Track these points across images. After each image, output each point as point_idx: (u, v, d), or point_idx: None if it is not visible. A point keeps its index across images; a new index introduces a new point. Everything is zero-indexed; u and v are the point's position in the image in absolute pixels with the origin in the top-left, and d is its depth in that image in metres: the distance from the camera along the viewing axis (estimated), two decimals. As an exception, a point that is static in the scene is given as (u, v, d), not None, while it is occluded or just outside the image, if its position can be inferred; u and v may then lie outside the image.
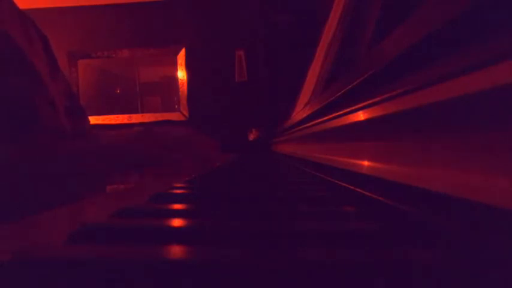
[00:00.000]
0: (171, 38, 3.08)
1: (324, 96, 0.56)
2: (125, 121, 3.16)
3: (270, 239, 0.22)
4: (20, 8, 0.76)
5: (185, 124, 3.06)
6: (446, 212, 0.20)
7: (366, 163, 0.36)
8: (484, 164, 0.18)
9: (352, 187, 0.34)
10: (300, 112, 0.87)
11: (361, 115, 0.37)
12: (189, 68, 3.10)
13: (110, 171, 0.65)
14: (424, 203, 0.22)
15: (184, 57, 3.10)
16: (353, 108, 0.39)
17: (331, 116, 0.49)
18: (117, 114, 3.19)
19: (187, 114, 3.11)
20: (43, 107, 0.64)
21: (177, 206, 0.32)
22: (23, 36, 0.67)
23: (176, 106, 3.23)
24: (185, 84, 3.12)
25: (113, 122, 3.13)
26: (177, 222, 0.25)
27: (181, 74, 3.14)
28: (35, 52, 0.69)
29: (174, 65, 3.16)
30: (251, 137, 2.66)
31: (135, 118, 3.18)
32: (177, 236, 0.23)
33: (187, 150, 0.74)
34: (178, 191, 0.42)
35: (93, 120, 2.78)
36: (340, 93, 0.43)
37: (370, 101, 0.33)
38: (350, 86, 0.39)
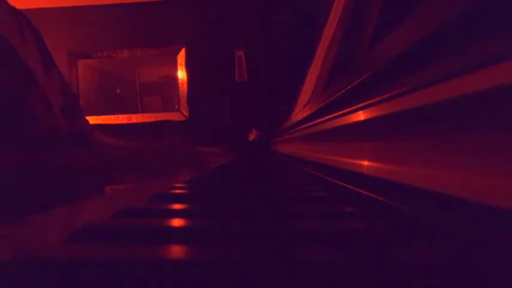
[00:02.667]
0: (171, 38, 3.08)
1: (324, 96, 0.56)
2: (125, 121, 3.15)
3: (270, 239, 0.22)
4: (20, 8, 0.76)
5: (185, 124, 3.06)
6: (446, 212, 0.20)
7: (366, 163, 0.36)
8: (484, 163, 0.18)
9: (352, 187, 0.34)
10: (299, 112, 0.87)
11: (361, 115, 0.37)
12: (189, 68, 3.10)
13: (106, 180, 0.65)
14: (424, 203, 0.22)
15: (184, 57, 3.10)
16: (353, 108, 0.39)
17: (331, 116, 0.49)
18: (117, 114, 3.19)
19: (187, 114, 3.11)
20: (37, 107, 0.64)
21: (177, 206, 0.32)
22: (16, 34, 0.66)
23: (176, 106, 3.23)
24: (185, 84, 3.12)
25: (112, 122, 3.13)
26: (177, 222, 0.25)
27: (181, 74, 3.14)
28: (28, 50, 0.69)
29: (174, 65, 3.16)
30: (251, 137, 2.66)
31: (135, 118, 3.18)
32: (177, 236, 0.23)
33: (183, 160, 0.74)
34: (178, 191, 0.42)
35: (93, 120, 2.78)
36: (340, 93, 0.43)
37: (370, 101, 0.33)
38: (350, 86, 0.39)
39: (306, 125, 0.74)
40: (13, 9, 0.71)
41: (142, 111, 3.33)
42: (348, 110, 0.41)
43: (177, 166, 0.71)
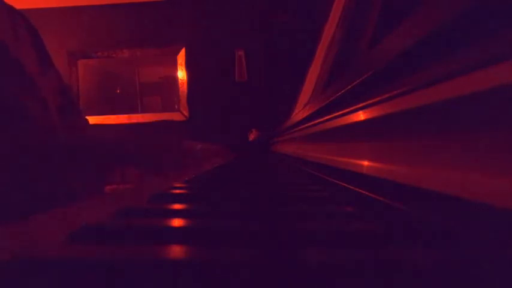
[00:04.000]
0: (171, 38, 3.08)
1: (323, 96, 0.56)
2: (125, 121, 3.15)
3: (269, 239, 0.22)
4: (21, 8, 0.75)
5: (185, 124, 3.06)
6: (446, 212, 0.20)
7: (365, 163, 0.36)
8: (484, 163, 0.18)
9: (352, 187, 0.34)
10: (299, 112, 0.87)
11: (361, 115, 0.37)
12: (189, 68, 3.10)
13: (105, 167, 0.65)
14: (423, 203, 0.22)
15: (184, 57, 3.10)
16: (353, 108, 0.39)
17: (331, 116, 0.49)
18: (117, 114, 3.19)
19: (187, 114, 3.11)
20: (32, 106, 0.63)
21: (177, 206, 0.32)
22: (9, 34, 0.66)
23: (176, 106, 3.23)
24: (185, 84, 3.12)
25: (112, 122, 3.13)
26: (176, 222, 0.25)
27: (181, 74, 3.14)
28: (23, 50, 0.68)
29: (174, 65, 3.16)
30: (251, 137, 2.66)
31: (135, 118, 3.18)
32: (176, 236, 0.23)
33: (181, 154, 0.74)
34: (178, 191, 0.42)
35: (93, 120, 2.78)
36: (340, 93, 0.43)
37: (370, 101, 0.33)
38: (350, 86, 0.39)
39: (306, 125, 0.74)
40: (9, 8, 0.70)
41: (142, 111, 3.33)
42: (347, 110, 0.41)
43: (167, 163, 0.72)
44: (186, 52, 3.09)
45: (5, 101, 0.59)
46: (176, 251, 0.18)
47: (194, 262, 0.17)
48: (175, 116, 3.14)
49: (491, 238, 0.16)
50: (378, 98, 0.31)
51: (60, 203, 0.35)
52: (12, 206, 0.48)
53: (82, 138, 0.73)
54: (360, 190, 0.32)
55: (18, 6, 0.76)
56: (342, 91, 0.42)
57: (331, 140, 0.55)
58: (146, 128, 3.07)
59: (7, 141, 0.55)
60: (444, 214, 0.20)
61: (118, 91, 3.53)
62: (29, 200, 0.51)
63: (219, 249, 0.18)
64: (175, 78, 3.19)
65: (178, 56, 3.13)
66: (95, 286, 0.16)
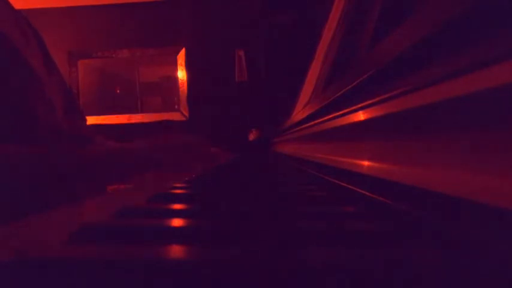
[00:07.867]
0: (171, 38, 3.08)
1: (324, 96, 0.56)
2: (125, 121, 3.16)
3: (269, 240, 0.22)
4: (21, 8, 0.75)
5: (185, 124, 3.06)
6: (445, 212, 0.20)
7: (366, 163, 0.36)
8: (483, 163, 0.18)
9: (352, 187, 0.34)
10: (300, 112, 0.87)
11: (361, 115, 0.37)
12: (189, 68, 3.10)
13: (118, 175, 0.65)
14: (423, 203, 0.22)
15: (184, 57, 3.10)
16: (353, 108, 0.39)
17: (331, 116, 0.49)
18: (117, 114, 3.19)
19: (187, 114, 3.11)
20: (41, 106, 0.64)
21: (177, 206, 0.32)
22: (19, 35, 0.66)
23: (176, 106, 3.23)
24: (185, 84, 3.12)
25: (113, 122, 3.13)
26: (176, 222, 0.25)
27: (181, 74, 3.14)
28: (31, 50, 0.68)
29: (174, 65, 3.16)
30: (251, 137, 2.66)
31: (135, 118, 3.18)
32: (176, 236, 0.23)
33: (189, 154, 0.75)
34: (178, 191, 0.42)
35: (93, 120, 2.78)
36: (340, 93, 0.43)
37: (370, 101, 0.33)
38: (350, 86, 0.39)
39: (306, 125, 0.74)
40: (14, 9, 0.71)
41: (142, 111, 3.33)
42: (348, 110, 0.41)
43: (178, 158, 0.72)
44: (186, 52, 3.09)
45: (15, 103, 0.59)
46: (175, 251, 0.18)
47: (194, 262, 0.17)
48: (175, 116, 3.14)
49: (490, 238, 0.16)
50: (378, 98, 0.31)
51: (60, 203, 0.35)
52: (12, 207, 0.48)
53: (87, 144, 0.74)
54: (360, 190, 0.32)
55: (18, 6, 0.76)
56: (342, 91, 0.42)
57: (331, 140, 0.55)
58: (146, 128, 3.07)
59: (15, 142, 0.56)
60: (444, 214, 0.20)
61: (118, 91, 3.53)
62: (29, 201, 0.51)
63: (219, 250, 0.18)
64: (175, 78, 3.19)
65: (178, 56, 3.13)
66: (94, 286, 0.16)
